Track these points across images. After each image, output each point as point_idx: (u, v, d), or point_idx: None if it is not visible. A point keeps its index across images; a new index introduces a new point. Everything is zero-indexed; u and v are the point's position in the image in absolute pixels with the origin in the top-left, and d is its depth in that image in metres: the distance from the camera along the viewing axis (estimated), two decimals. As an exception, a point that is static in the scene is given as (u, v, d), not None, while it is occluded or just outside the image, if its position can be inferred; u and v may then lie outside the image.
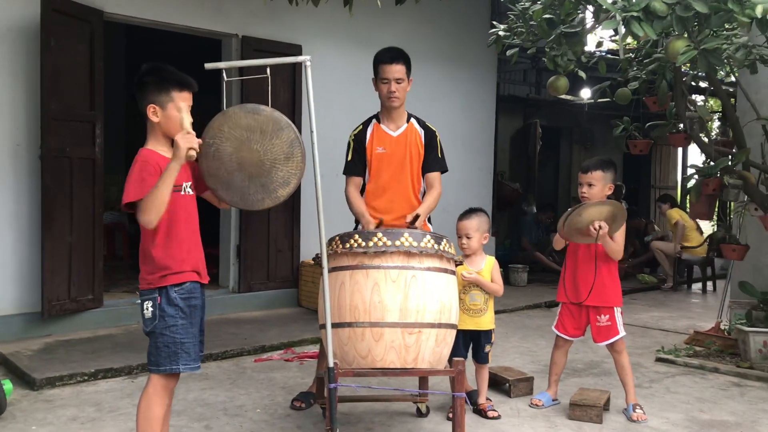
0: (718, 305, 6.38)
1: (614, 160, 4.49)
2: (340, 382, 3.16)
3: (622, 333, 4.20)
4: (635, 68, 5.56)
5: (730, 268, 6.38)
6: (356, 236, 3.27)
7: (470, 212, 4.16)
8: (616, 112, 6.88)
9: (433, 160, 4.18)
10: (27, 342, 5.39)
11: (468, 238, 4.09)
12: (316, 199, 3.09)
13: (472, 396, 4.20)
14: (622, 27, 3.65)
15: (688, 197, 5.57)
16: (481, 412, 4.14)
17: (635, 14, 3.62)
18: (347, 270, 3.26)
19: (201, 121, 3.10)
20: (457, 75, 8.72)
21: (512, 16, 4.82)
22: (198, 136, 3.05)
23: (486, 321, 4.11)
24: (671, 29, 3.84)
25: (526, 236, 10.52)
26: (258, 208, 3.13)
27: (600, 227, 3.93)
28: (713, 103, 12.80)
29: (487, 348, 4.17)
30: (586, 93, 10.96)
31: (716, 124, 12.36)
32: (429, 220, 4.26)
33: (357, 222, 4.26)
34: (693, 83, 6.73)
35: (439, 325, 3.25)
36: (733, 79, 6.56)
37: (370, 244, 3.22)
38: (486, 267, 4.12)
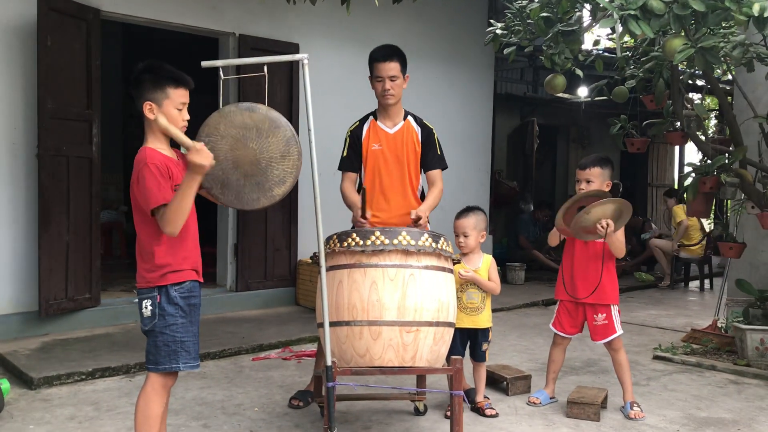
0: (715, 303, 6.39)
1: (611, 158, 4.49)
2: (338, 381, 3.16)
3: (619, 331, 4.21)
4: (632, 66, 5.55)
5: (727, 266, 6.39)
6: (354, 235, 3.27)
7: (467, 211, 4.16)
8: (613, 110, 6.89)
9: (432, 157, 4.18)
10: (24, 341, 5.38)
11: (465, 236, 4.10)
12: (314, 198, 3.09)
13: (470, 394, 4.20)
14: (620, 25, 3.65)
15: (685, 195, 5.55)
16: (479, 411, 4.15)
17: (632, 12, 3.62)
18: (345, 268, 3.26)
19: (197, 120, 3.10)
20: (455, 73, 8.72)
21: (509, 15, 4.81)
22: (191, 135, 3.05)
23: (483, 319, 4.12)
24: (668, 27, 3.84)
25: (524, 234, 10.52)
26: (253, 207, 3.12)
27: (607, 225, 3.94)
28: (710, 101, 12.81)
29: (485, 346, 4.17)
30: (583, 91, 10.95)
31: (713, 122, 12.38)
32: (427, 218, 4.26)
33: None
34: (690, 81, 6.73)
35: (437, 324, 3.25)
36: (730, 77, 6.57)
37: (368, 242, 3.22)
38: (483, 265, 4.13)
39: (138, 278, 2.96)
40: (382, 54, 4.08)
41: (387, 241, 3.21)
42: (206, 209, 3.27)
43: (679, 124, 5.55)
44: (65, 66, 5.58)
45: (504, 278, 8.82)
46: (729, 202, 6.60)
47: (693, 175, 5.43)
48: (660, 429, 3.99)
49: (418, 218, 3.87)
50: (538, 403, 4.33)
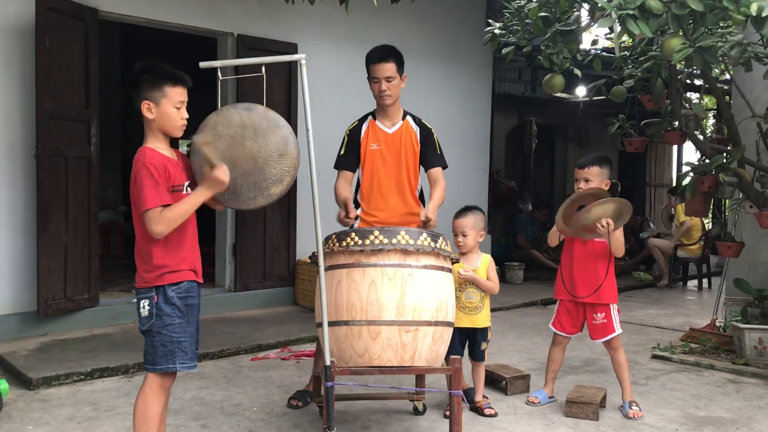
0: (713, 302, 6.39)
1: (610, 158, 4.50)
2: (337, 381, 3.16)
3: (618, 330, 4.21)
4: (630, 66, 5.56)
5: (726, 265, 6.40)
6: (353, 234, 3.27)
7: (466, 210, 4.16)
8: (611, 109, 6.89)
9: (432, 155, 4.18)
10: (23, 341, 5.38)
11: (464, 236, 4.10)
12: (312, 197, 3.09)
13: (469, 394, 4.20)
14: (618, 25, 3.65)
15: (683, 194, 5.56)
16: (478, 410, 4.15)
17: (631, 12, 3.62)
18: (344, 268, 3.26)
19: (196, 120, 3.10)
20: (453, 73, 8.72)
21: (508, 14, 4.82)
22: (191, 135, 3.05)
23: (482, 318, 4.12)
24: (667, 27, 3.84)
25: (522, 234, 10.53)
26: (251, 207, 3.12)
27: (607, 224, 3.94)
28: (708, 100, 12.83)
29: (484, 345, 4.18)
30: (581, 91, 10.96)
31: (711, 121, 12.39)
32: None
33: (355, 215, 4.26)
34: (688, 81, 6.73)
35: (436, 323, 3.25)
36: (728, 76, 6.58)
37: (367, 242, 3.22)
38: (482, 265, 4.13)
39: (137, 278, 2.96)
40: (378, 55, 4.07)
41: (386, 241, 3.21)
42: (205, 209, 3.26)
43: (677, 123, 5.56)
44: (63, 66, 5.57)
45: (503, 278, 8.82)
46: (727, 201, 6.60)
47: (691, 174, 5.44)
48: (659, 428, 4.00)
49: (428, 219, 3.85)
50: (537, 402, 4.34)
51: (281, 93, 6.93)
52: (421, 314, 3.20)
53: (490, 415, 4.10)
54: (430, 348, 3.25)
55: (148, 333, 2.94)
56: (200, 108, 3.55)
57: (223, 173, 2.91)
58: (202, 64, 3.13)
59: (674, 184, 12.85)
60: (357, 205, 4.25)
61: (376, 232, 3.24)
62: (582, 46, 5.64)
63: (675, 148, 13.02)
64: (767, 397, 4.60)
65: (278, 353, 5.45)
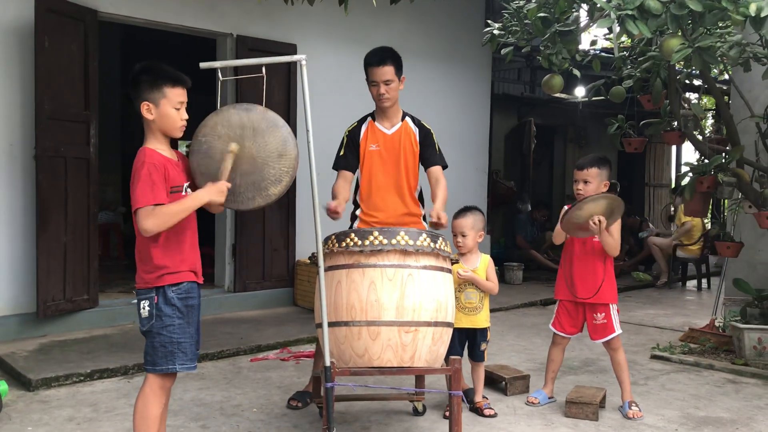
0: (712, 302, 6.40)
1: (609, 158, 4.50)
2: (337, 381, 3.16)
3: (618, 330, 4.22)
4: (629, 66, 5.56)
5: (725, 265, 6.40)
6: (352, 235, 3.28)
7: (465, 210, 4.16)
8: (610, 110, 6.89)
9: (432, 154, 4.17)
10: (22, 342, 5.38)
11: (463, 236, 4.10)
12: (312, 198, 3.09)
13: (469, 394, 4.21)
14: (617, 25, 3.66)
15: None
16: (477, 411, 4.15)
17: (630, 12, 3.63)
18: (343, 269, 3.26)
19: (196, 121, 3.11)
20: (452, 74, 8.73)
21: (507, 15, 4.82)
22: (191, 135, 3.05)
23: (481, 319, 4.12)
24: (665, 27, 3.85)
25: (521, 234, 10.53)
26: (249, 207, 3.12)
27: (599, 221, 3.95)
28: (707, 101, 12.83)
29: (483, 346, 4.18)
30: (580, 91, 10.97)
31: (710, 121, 12.39)
32: (424, 218, 4.27)
33: (352, 221, 4.26)
34: (687, 81, 6.73)
35: (436, 324, 3.25)
36: (726, 77, 6.58)
37: (366, 242, 3.22)
38: (481, 265, 4.13)
39: (137, 279, 2.96)
40: (376, 59, 4.05)
41: (385, 241, 3.21)
42: (205, 210, 3.27)
43: (676, 123, 5.57)
44: (63, 67, 5.57)
45: (502, 278, 8.83)
46: (726, 201, 6.61)
47: (690, 174, 5.44)
48: (658, 428, 4.00)
49: (440, 219, 3.80)
50: (536, 402, 4.34)
51: (281, 93, 6.93)
52: (420, 315, 3.20)
53: (490, 416, 4.10)
54: (429, 348, 3.25)
55: (148, 334, 2.94)
56: (200, 109, 3.55)
57: (225, 188, 2.93)
58: (203, 65, 3.13)
59: (673, 184, 12.87)
60: (356, 206, 4.26)
61: (376, 233, 3.24)
62: (581, 47, 5.65)
63: (674, 148, 13.02)
64: (767, 397, 4.60)
65: (278, 354, 5.45)
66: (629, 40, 5.61)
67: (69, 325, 5.74)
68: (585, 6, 4.32)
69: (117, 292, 6.85)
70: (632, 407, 4.17)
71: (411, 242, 3.23)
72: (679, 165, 13.03)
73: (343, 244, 3.26)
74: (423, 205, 4.26)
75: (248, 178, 3.03)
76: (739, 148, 5.26)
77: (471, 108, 9.02)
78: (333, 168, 4.24)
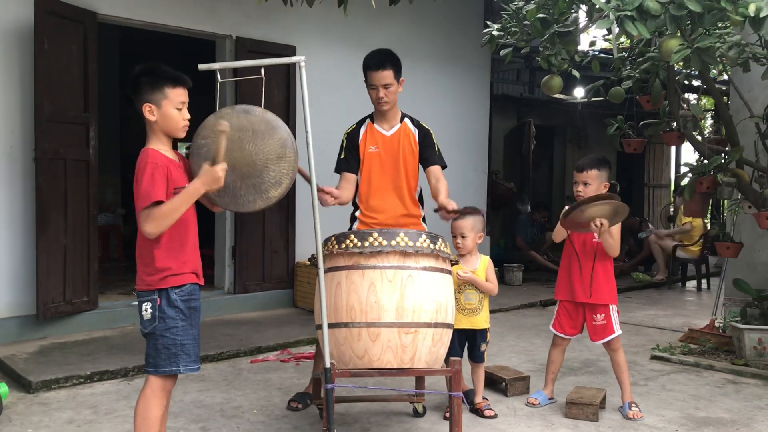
0: (712, 303, 6.40)
1: (608, 159, 4.50)
2: (337, 383, 3.16)
3: (618, 331, 4.22)
4: (628, 67, 5.56)
5: (725, 265, 6.40)
6: (352, 236, 3.28)
7: (465, 212, 4.16)
8: (609, 110, 6.89)
9: (431, 154, 4.18)
10: (22, 345, 5.38)
11: (463, 237, 4.10)
12: (311, 199, 3.09)
13: (469, 395, 4.21)
14: (616, 26, 3.66)
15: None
16: (477, 412, 4.15)
17: (629, 13, 3.63)
18: (343, 270, 3.26)
19: (195, 122, 3.10)
20: (451, 75, 8.73)
21: (506, 16, 4.82)
22: (190, 137, 3.05)
23: (481, 320, 4.12)
24: (664, 28, 3.85)
25: (521, 235, 10.53)
26: (250, 209, 3.12)
27: (601, 224, 3.95)
28: (706, 101, 12.83)
29: (483, 347, 4.18)
30: (579, 92, 10.97)
31: (709, 122, 12.39)
32: (424, 219, 4.27)
33: (352, 222, 4.26)
34: (686, 82, 6.73)
35: (436, 325, 3.25)
36: (726, 77, 6.58)
37: (366, 244, 3.22)
38: (481, 266, 4.13)
39: (138, 281, 2.96)
40: (375, 62, 4.04)
41: (385, 243, 3.21)
42: (205, 211, 3.27)
43: (675, 124, 5.57)
44: (62, 69, 5.58)
45: (501, 279, 8.82)
46: (726, 201, 6.61)
47: (690, 175, 5.44)
48: (658, 429, 4.00)
49: (449, 204, 3.82)
50: (536, 403, 4.34)
51: (280, 95, 6.94)
52: (420, 316, 3.20)
53: (490, 417, 4.10)
54: (429, 350, 3.25)
55: (151, 336, 2.93)
56: (199, 110, 3.55)
57: (222, 171, 2.86)
58: (201, 67, 3.13)
59: (673, 184, 12.87)
60: (356, 207, 4.26)
61: (375, 234, 3.24)
62: (580, 48, 5.65)
63: (673, 148, 13.03)
64: (767, 398, 4.60)
65: (278, 355, 5.45)
66: (628, 41, 5.62)
67: (69, 327, 5.74)
68: (584, 7, 4.32)
69: (117, 294, 6.85)
70: (632, 408, 4.17)
71: (411, 243, 3.23)
72: (678, 165, 13.03)
73: (343, 246, 3.26)
74: (423, 206, 4.26)
75: (248, 180, 3.03)
76: (738, 148, 5.27)
77: (470, 109, 9.02)
78: (335, 171, 4.24)
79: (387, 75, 4.02)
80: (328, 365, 3.11)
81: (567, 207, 4.15)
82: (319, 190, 3.81)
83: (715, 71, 6.26)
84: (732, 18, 3.70)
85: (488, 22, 5.08)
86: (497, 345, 5.85)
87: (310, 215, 3.12)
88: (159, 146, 2.94)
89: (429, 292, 3.24)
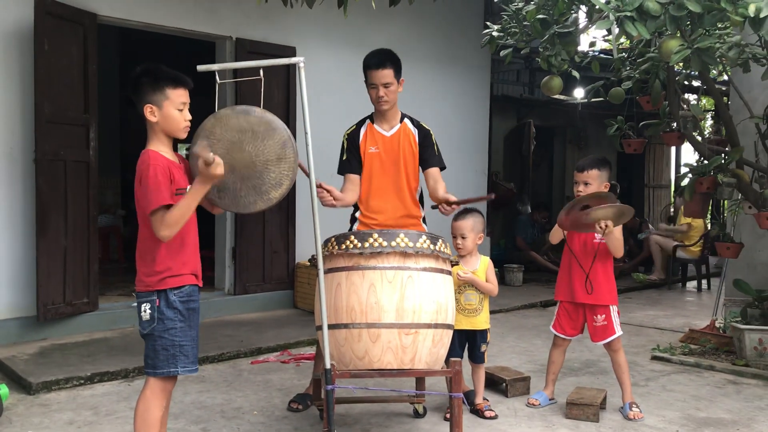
0: (713, 303, 6.40)
1: (608, 159, 4.50)
2: (337, 384, 3.16)
3: (618, 332, 4.21)
4: (628, 68, 5.57)
5: (725, 266, 6.40)
6: (352, 237, 3.28)
7: (465, 212, 4.16)
8: (609, 111, 6.90)
9: (430, 155, 4.17)
10: (22, 346, 5.38)
11: (463, 238, 4.10)
12: (311, 200, 3.09)
13: (469, 396, 4.20)
14: (616, 27, 3.66)
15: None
16: (478, 412, 4.15)
17: (628, 14, 3.63)
18: (343, 271, 3.26)
19: (194, 123, 3.10)
20: (451, 75, 8.73)
21: (506, 17, 4.83)
22: (190, 139, 3.05)
23: (481, 320, 4.12)
24: (664, 28, 3.85)
25: (521, 236, 10.53)
26: (250, 210, 3.12)
27: (606, 226, 3.95)
28: (706, 101, 12.84)
29: (483, 347, 4.17)
30: (579, 93, 10.97)
31: (709, 122, 12.40)
32: (424, 220, 4.27)
33: (352, 223, 4.26)
34: (686, 82, 6.74)
35: (436, 326, 3.25)
36: (726, 77, 6.58)
37: (366, 244, 3.22)
38: (481, 267, 4.13)
39: (137, 282, 2.96)
40: (375, 61, 4.05)
41: (385, 243, 3.21)
42: (205, 212, 3.27)
43: (675, 124, 5.57)
44: (62, 70, 5.58)
45: (502, 280, 8.82)
46: (726, 202, 6.61)
47: (690, 175, 5.44)
48: (659, 429, 4.00)
49: (449, 198, 3.83)
50: (537, 404, 4.34)
51: (279, 96, 6.94)
52: (420, 317, 3.20)
53: (491, 418, 4.10)
54: (430, 350, 3.25)
55: (149, 337, 2.93)
56: (199, 111, 3.54)
57: (218, 167, 2.84)
58: (200, 68, 3.12)
59: (673, 185, 12.87)
60: (356, 208, 4.25)
61: (375, 235, 3.24)
62: (580, 48, 5.65)
63: (673, 149, 13.03)
64: (767, 398, 4.60)
65: (278, 356, 5.45)
66: (628, 42, 5.62)
67: (69, 329, 5.74)
68: (584, 8, 4.32)
69: (117, 296, 6.85)
70: (633, 408, 4.17)
71: (411, 244, 3.23)
72: (678, 166, 13.03)
73: (343, 247, 3.26)
74: (423, 207, 4.25)
75: (248, 181, 3.03)
76: (738, 148, 5.27)
77: (470, 110, 9.03)
78: (338, 173, 4.24)
79: (387, 74, 4.02)
80: (328, 366, 3.10)
81: (571, 202, 4.14)
82: (319, 186, 3.81)
83: (715, 72, 6.27)
84: (732, 18, 3.70)
85: (488, 23, 5.08)
86: (497, 346, 5.85)
87: (310, 216, 3.11)
88: (159, 147, 2.94)
89: (429, 292, 3.24)
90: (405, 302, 3.18)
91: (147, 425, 2.94)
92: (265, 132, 3.01)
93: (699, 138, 5.61)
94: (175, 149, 3.06)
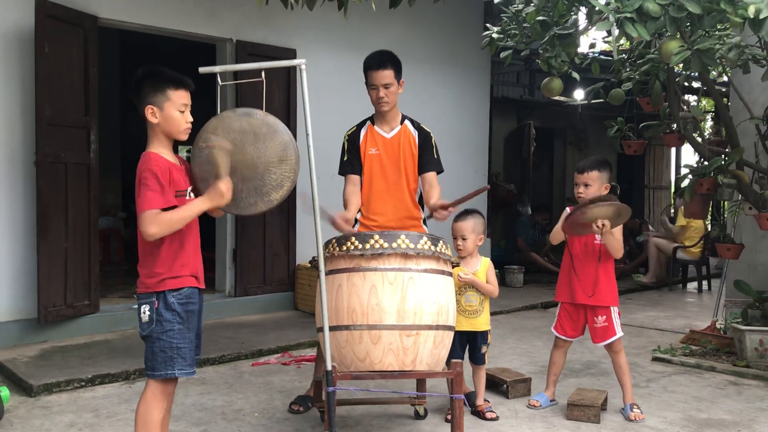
0: (713, 304, 6.40)
1: (609, 160, 4.50)
2: (339, 385, 3.16)
3: (619, 333, 4.21)
4: (628, 69, 5.57)
5: (725, 267, 6.40)
6: (353, 238, 3.28)
7: (465, 214, 4.17)
8: (609, 112, 6.91)
9: (428, 160, 4.17)
10: (23, 348, 5.38)
11: (464, 239, 4.10)
12: (312, 202, 3.09)
13: (470, 397, 4.20)
14: (616, 28, 3.67)
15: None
16: (479, 414, 4.15)
17: (628, 15, 3.64)
18: (344, 272, 3.26)
19: (196, 125, 3.11)
20: (451, 77, 8.74)
21: (505, 18, 4.83)
22: (192, 141, 3.06)
23: (482, 322, 4.12)
24: (664, 30, 3.86)
25: (522, 237, 10.53)
26: (251, 212, 3.12)
27: (603, 225, 3.95)
28: (706, 103, 12.84)
29: (484, 349, 4.17)
30: (579, 94, 10.97)
31: (709, 123, 12.40)
32: (424, 221, 4.27)
33: (353, 225, 4.26)
34: (686, 83, 6.75)
35: (437, 327, 3.25)
36: (725, 79, 6.58)
37: (367, 246, 3.22)
38: (481, 268, 4.13)
39: (138, 283, 2.96)
40: (376, 62, 4.05)
41: (386, 245, 3.21)
42: (205, 214, 3.27)
43: (675, 126, 5.58)
44: (63, 73, 5.58)
45: (502, 281, 8.82)
46: (726, 203, 6.61)
47: (690, 176, 5.44)
48: (660, 431, 4.00)
49: (444, 204, 3.84)
50: (538, 405, 4.34)
51: (280, 98, 6.94)
52: (422, 318, 3.20)
53: (492, 419, 4.10)
54: (431, 352, 3.25)
55: (148, 338, 2.94)
56: (200, 113, 3.55)
57: (226, 187, 2.91)
58: (201, 70, 3.13)
59: (673, 186, 12.87)
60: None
61: (376, 236, 3.24)
62: (580, 50, 5.66)
63: (673, 150, 13.03)
64: (768, 399, 4.61)
65: (279, 358, 5.45)
66: (628, 43, 5.63)
67: (70, 331, 5.74)
68: (584, 9, 4.32)
69: (118, 298, 6.85)
70: (634, 409, 4.17)
71: (412, 245, 3.23)
72: (678, 167, 13.03)
73: (344, 248, 3.27)
74: (423, 209, 4.26)
75: (250, 183, 3.03)
76: (738, 149, 5.27)
77: (470, 111, 9.03)
78: (339, 174, 4.24)
79: (387, 74, 4.02)
80: (329, 368, 3.11)
81: (569, 209, 4.15)
82: (335, 222, 3.83)
83: (715, 73, 6.28)
84: (732, 20, 3.70)
85: (488, 25, 5.09)
86: (498, 347, 5.85)
87: (311, 218, 3.12)
88: (160, 149, 2.94)
89: (430, 294, 3.24)
90: (406, 304, 3.18)
91: (148, 427, 2.94)
92: (267, 134, 3.02)
93: (699, 139, 5.61)
94: (175, 151, 3.06)
